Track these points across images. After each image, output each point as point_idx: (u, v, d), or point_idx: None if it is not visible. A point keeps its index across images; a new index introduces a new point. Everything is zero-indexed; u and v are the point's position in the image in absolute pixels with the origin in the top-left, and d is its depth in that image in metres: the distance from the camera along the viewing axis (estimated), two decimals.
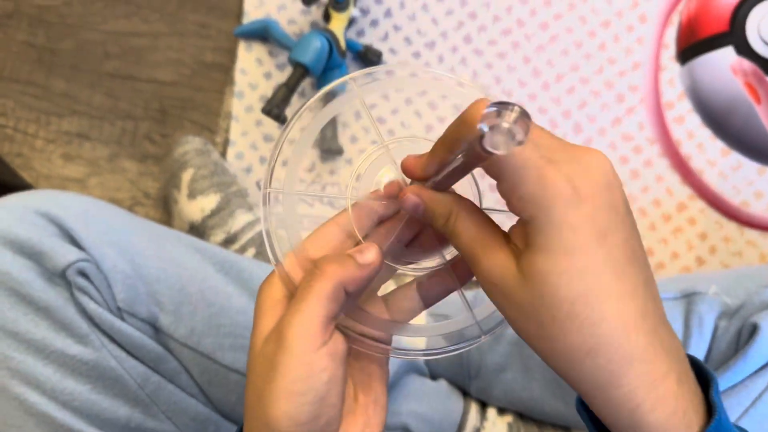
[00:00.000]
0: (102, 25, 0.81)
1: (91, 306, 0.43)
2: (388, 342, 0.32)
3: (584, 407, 0.30)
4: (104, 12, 0.82)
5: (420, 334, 0.33)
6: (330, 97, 0.33)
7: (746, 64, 0.79)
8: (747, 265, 0.73)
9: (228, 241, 0.67)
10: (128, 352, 0.45)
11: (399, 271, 0.34)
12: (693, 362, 0.30)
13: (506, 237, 0.29)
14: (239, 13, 0.81)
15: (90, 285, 0.43)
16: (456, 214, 0.29)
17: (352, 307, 0.31)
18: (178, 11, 0.81)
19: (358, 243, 0.31)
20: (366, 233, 0.32)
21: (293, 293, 0.29)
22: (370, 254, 0.30)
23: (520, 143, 0.23)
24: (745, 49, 0.79)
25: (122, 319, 0.45)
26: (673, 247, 0.75)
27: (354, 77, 0.32)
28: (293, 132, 0.32)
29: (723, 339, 0.52)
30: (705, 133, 0.78)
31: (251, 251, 0.67)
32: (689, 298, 0.55)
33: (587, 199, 0.26)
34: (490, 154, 0.24)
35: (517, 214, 0.27)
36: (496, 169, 0.27)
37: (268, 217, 0.31)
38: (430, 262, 0.33)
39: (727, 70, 0.79)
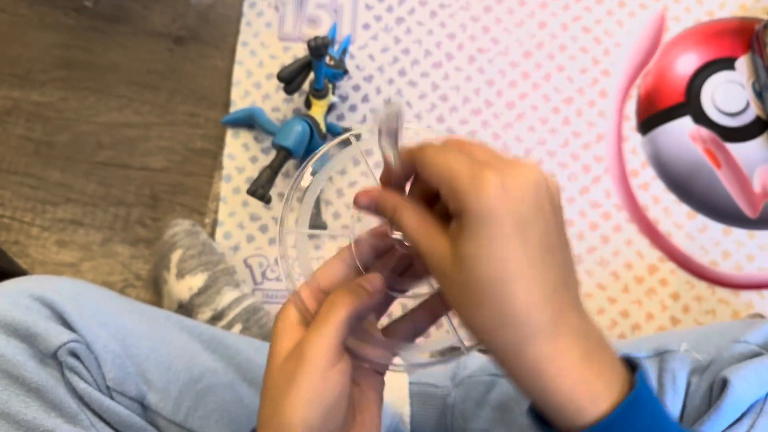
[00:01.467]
0: (96, 117, 0.86)
1: (81, 385, 0.44)
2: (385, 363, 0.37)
3: (533, 412, 0.34)
4: (98, 105, 0.87)
5: (412, 350, 0.37)
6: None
7: (704, 131, 0.84)
8: (718, 322, 0.76)
9: (215, 318, 0.69)
10: (116, 430, 0.46)
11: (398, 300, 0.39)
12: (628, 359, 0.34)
13: (445, 228, 0.32)
14: (227, 102, 0.86)
15: (80, 365, 0.45)
16: (400, 207, 0.34)
17: (357, 329, 0.36)
18: (168, 102, 0.87)
19: (360, 274, 0.36)
20: (366, 265, 0.37)
21: (307, 318, 0.35)
22: (376, 282, 0.35)
23: (394, 150, 0.32)
24: (701, 118, 0.84)
25: (111, 397, 0.46)
26: (647, 308, 0.77)
27: (355, 134, 0.39)
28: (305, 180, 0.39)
29: (696, 395, 0.53)
30: (670, 198, 0.82)
31: (237, 327, 0.69)
32: (661, 356, 0.56)
33: (511, 194, 0.30)
34: (385, 158, 0.32)
35: (453, 209, 0.31)
36: (437, 177, 0.31)
37: (285, 253, 0.36)
38: (422, 290, 0.38)
39: (686, 138, 0.84)
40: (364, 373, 0.37)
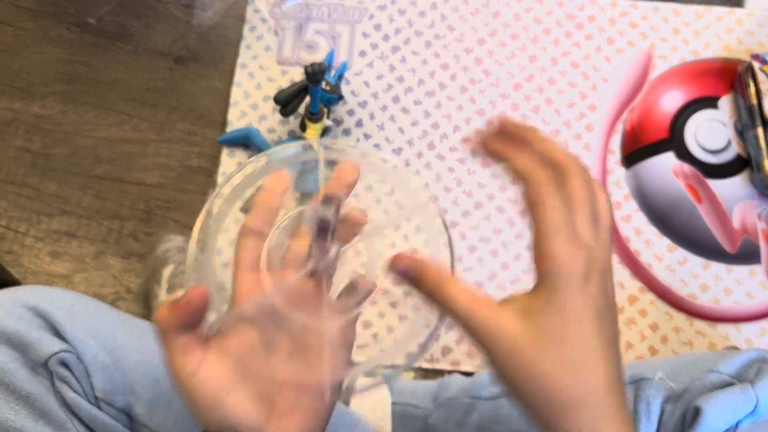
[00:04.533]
0: (95, 132, 0.88)
1: (71, 395, 0.45)
2: None
3: None
4: (97, 120, 0.89)
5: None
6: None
7: (686, 167, 0.86)
8: (693, 352, 0.77)
9: None
10: None
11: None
12: None
13: (498, 303, 0.32)
14: (224, 122, 0.88)
15: (70, 375, 0.45)
16: (448, 278, 0.33)
17: None
18: (166, 120, 0.89)
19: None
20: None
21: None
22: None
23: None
24: (684, 154, 0.87)
25: (99, 408, 0.47)
26: (627, 337, 0.79)
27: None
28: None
29: (669, 422, 0.54)
30: (651, 231, 0.84)
31: None
32: (637, 383, 0.58)
33: (593, 281, 0.31)
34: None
35: (537, 272, 0.32)
36: (535, 222, 0.32)
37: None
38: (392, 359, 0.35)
39: (669, 173, 0.86)
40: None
